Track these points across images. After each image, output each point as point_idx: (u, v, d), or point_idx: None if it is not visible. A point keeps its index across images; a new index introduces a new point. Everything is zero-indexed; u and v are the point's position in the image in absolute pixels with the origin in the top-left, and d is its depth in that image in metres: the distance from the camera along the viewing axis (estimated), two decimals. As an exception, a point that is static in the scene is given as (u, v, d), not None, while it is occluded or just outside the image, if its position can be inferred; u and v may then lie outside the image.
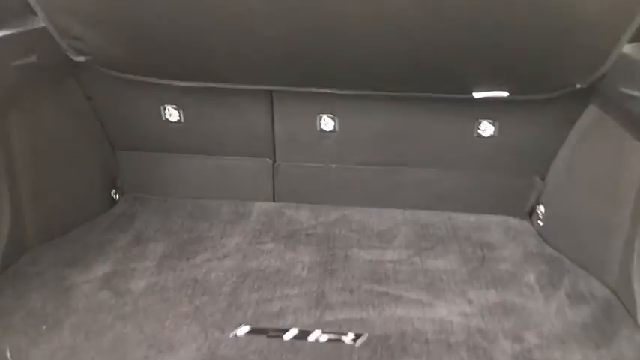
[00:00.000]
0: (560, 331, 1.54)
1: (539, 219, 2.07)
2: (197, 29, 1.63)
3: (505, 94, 1.79)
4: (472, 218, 2.13)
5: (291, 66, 1.77)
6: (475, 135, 2.01)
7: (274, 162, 2.14)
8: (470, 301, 1.67)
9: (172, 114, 2.04)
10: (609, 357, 1.45)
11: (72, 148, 1.97)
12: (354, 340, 1.50)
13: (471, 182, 2.12)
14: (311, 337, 1.50)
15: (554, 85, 1.76)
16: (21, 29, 1.61)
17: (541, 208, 2.06)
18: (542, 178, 2.07)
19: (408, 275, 1.78)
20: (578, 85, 1.74)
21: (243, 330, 1.52)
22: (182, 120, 2.05)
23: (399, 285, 1.73)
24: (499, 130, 1.99)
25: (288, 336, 1.50)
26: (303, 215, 2.12)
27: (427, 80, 1.80)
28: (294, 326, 1.54)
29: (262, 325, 1.54)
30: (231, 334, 1.50)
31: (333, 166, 2.12)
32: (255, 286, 1.70)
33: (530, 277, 1.79)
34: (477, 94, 1.80)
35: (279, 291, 1.68)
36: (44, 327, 1.49)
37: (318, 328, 1.54)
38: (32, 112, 1.78)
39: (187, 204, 2.17)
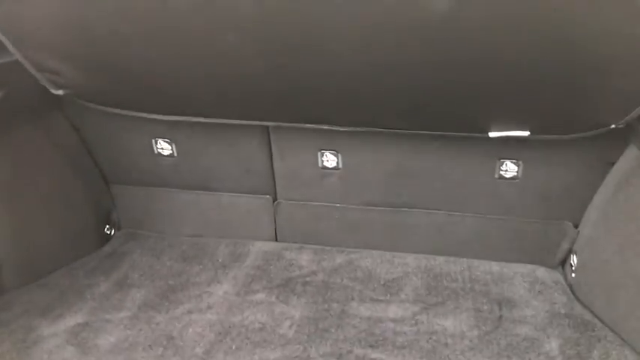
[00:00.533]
0: (580, 421, 1.30)
1: (573, 270, 1.80)
2: (179, 67, 1.48)
3: (526, 133, 1.56)
4: (495, 267, 1.89)
5: (283, 103, 1.60)
6: (496, 176, 1.77)
7: (275, 199, 1.97)
8: (476, 376, 1.44)
9: (164, 147, 1.90)
10: None
11: (58, 183, 1.86)
12: (332, 422, 1.30)
13: (494, 227, 1.88)
14: (283, 416, 1.31)
15: (584, 126, 1.51)
16: None
17: (574, 259, 1.80)
18: (576, 225, 1.80)
19: (409, 338, 1.56)
20: (612, 126, 1.48)
21: (207, 403, 1.35)
22: (175, 154, 1.91)
23: (397, 351, 1.52)
24: (523, 170, 1.74)
25: (257, 413, 1.32)
26: (304, 259, 1.93)
27: (435, 119, 1.58)
28: (268, 400, 1.36)
29: (231, 397, 1.37)
30: (193, 408, 1.33)
31: (338, 205, 1.92)
32: (234, 347, 1.53)
33: (553, 346, 1.54)
34: (493, 134, 1.57)
35: (258, 354, 1.50)
36: (-6, 391, 1.37)
37: (294, 403, 1.35)
38: (9, 147, 1.68)
39: (183, 242, 2.02)
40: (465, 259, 1.92)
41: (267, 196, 1.96)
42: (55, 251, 1.85)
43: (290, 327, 1.61)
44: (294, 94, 1.52)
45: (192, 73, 1.47)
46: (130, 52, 1.44)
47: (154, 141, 1.89)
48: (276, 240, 2.04)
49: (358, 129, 1.68)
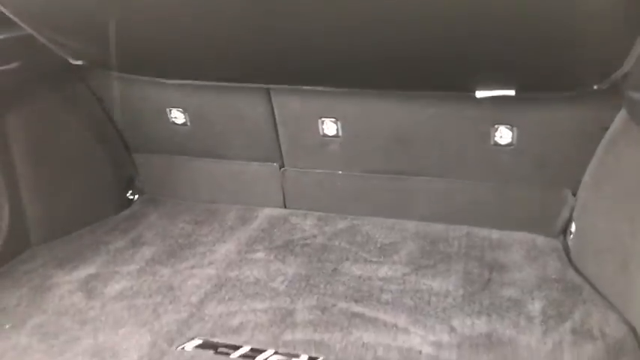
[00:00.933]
0: (546, 374, 1.32)
1: (571, 238, 1.81)
2: (176, 33, 1.58)
3: (511, 92, 1.57)
4: (494, 235, 1.91)
5: (278, 64, 1.66)
6: (492, 142, 1.79)
7: (282, 166, 2.06)
8: (452, 330, 1.48)
9: (178, 117, 2.02)
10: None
11: (83, 150, 2.01)
12: (305, 364, 1.38)
13: (494, 195, 1.90)
14: (260, 358, 1.40)
15: (566, 85, 1.52)
16: (9, 34, 1.65)
17: (573, 227, 1.80)
18: (575, 192, 1.80)
19: (393, 295, 1.62)
20: (595, 87, 1.48)
21: (193, 344, 1.45)
22: (188, 123, 2.03)
23: (380, 306, 1.58)
24: (518, 136, 1.76)
25: (236, 354, 1.42)
26: (308, 223, 2.02)
27: (423, 75, 1.61)
28: (249, 343, 1.45)
29: (216, 339, 1.47)
30: (179, 347, 1.44)
31: (340, 172, 1.99)
32: (226, 297, 1.63)
33: (536, 307, 1.56)
34: (480, 94, 1.60)
35: (248, 304, 1.60)
36: (7, 326, 1.52)
37: (273, 347, 1.44)
38: (34, 114, 1.84)
39: (198, 207, 2.15)
40: (465, 227, 1.95)
41: (274, 164, 2.05)
42: (79, 212, 2.01)
43: (282, 282, 1.70)
44: (286, 55, 1.59)
45: (189, 36, 1.56)
46: (130, 21, 1.55)
47: (168, 110, 2.02)
48: (285, 206, 2.13)
49: (352, 89, 1.73)
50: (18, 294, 1.65)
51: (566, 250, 1.82)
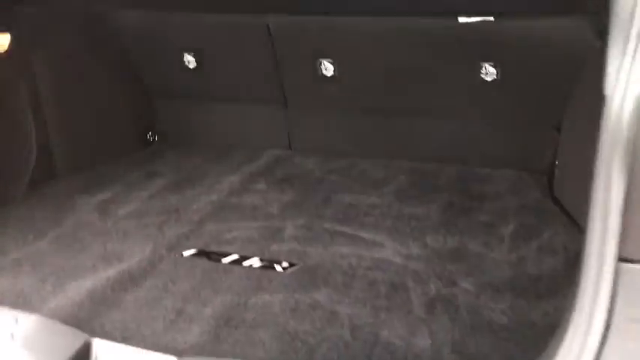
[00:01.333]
0: (503, 281, 1.43)
1: (555, 173, 1.90)
2: None
3: (490, 18, 1.69)
4: (484, 171, 2.02)
5: None
6: (479, 80, 1.88)
7: (286, 108, 2.20)
8: (424, 246, 1.60)
9: (190, 61, 2.19)
10: (541, 310, 1.32)
11: (104, 91, 2.21)
12: (285, 269, 1.53)
13: (486, 133, 2.00)
14: (246, 263, 1.56)
15: (539, 10, 1.62)
16: None
17: (557, 162, 1.89)
18: (559, 129, 1.88)
19: (376, 219, 1.75)
20: (568, 16, 1.57)
21: (189, 252, 1.62)
22: (199, 67, 2.19)
23: (362, 227, 1.71)
24: (502, 73, 1.84)
25: (226, 260, 1.58)
26: (310, 162, 2.16)
27: None
28: (239, 253, 1.61)
29: (210, 249, 1.64)
30: (176, 254, 1.61)
31: (340, 112, 2.13)
32: (225, 218, 1.79)
33: (509, 229, 1.66)
34: (462, 19, 1.71)
35: (243, 223, 1.76)
36: (31, 236, 1.73)
37: (259, 256, 1.59)
38: (58, 55, 2.03)
39: (210, 147, 2.32)
40: (457, 165, 2.06)
41: (280, 106, 2.20)
42: (101, 150, 2.20)
43: (277, 207, 1.85)
44: None
45: None
46: None
47: (182, 54, 2.18)
48: (290, 147, 2.28)
49: (346, 22, 1.89)
50: (44, 212, 1.86)
51: (551, 184, 1.90)
